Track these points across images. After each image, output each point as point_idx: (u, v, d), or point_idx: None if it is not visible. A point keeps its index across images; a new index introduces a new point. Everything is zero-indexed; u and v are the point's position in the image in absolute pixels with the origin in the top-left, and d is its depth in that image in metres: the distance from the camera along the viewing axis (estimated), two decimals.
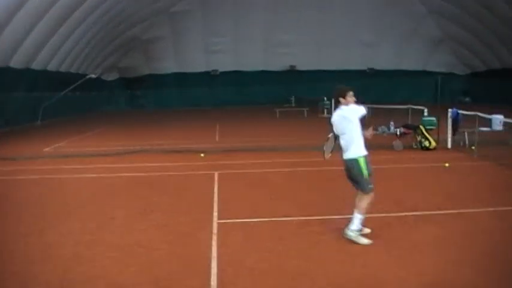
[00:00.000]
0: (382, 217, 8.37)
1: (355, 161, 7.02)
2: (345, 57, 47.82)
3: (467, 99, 45.14)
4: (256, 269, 6.17)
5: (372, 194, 7.06)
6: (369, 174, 7.04)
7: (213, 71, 49.64)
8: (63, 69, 34.51)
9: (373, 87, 45.23)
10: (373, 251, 6.73)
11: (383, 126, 17.46)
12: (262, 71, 49.58)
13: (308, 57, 48.01)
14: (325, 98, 35.15)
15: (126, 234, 7.73)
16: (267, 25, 47.03)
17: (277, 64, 49.25)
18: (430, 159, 14.60)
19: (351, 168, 7.08)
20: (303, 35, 46.92)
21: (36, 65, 29.51)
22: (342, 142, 7.16)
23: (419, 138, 16.52)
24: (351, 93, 7.08)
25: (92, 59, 39.91)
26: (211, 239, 7.34)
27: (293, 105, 45.22)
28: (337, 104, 7.19)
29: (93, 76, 37.13)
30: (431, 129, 16.84)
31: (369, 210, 8.38)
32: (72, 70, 36.47)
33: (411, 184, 11.44)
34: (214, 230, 7.76)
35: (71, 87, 34.27)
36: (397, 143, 16.53)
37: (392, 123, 17.31)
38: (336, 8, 45.58)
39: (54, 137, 23.33)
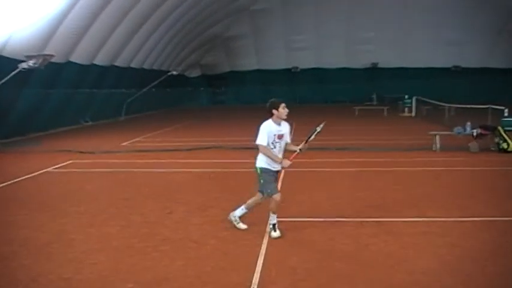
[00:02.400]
0: (442, 222, 8.14)
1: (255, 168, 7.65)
2: (429, 54, 46.38)
3: None
4: (299, 268, 6.19)
5: (277, 195, 7.49)
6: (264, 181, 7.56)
7: (293, 68, 49.54)
8: (146, 66, 35.61)
9: (458, 86, 43.76)
10: (424, 256, 6.55)
11: (459, 127, 16.85)
12: (343, 68, 48.93)
13: (390, 55, 46.89)
14: (406, 96, 34.44)
15: (181, 229, 7.95)
16: (348, 22, 46.39)
17: (359, 61, 48.46)
18: (506, 163, 13.99)
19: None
20: (386, 31, 45.93)
21: (120, 62, 30.63)
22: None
23: (497, 139, 15.86)
24: (283, 104, 7.46)
25: (175, 56, 40.94)
26: (262, 236, 7.42)
27: (375, 103, 44.56)
28: (270, 116, 7.48)
29: (175, 73, 38.06)
30: (510, 131, 16.13)
31: (428, 214, 8.26)
32: (155, 67, 37.56)
33: (481, 188, 10.96)
34: (267, 229, 7.82)
35: (154, 84, 35.38)
36: (473, 145, 15.93)
37: (469, 123, 16.64)
38: (420, 3, 44.30)
39: (134, 131, 24.24)
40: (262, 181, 7.56)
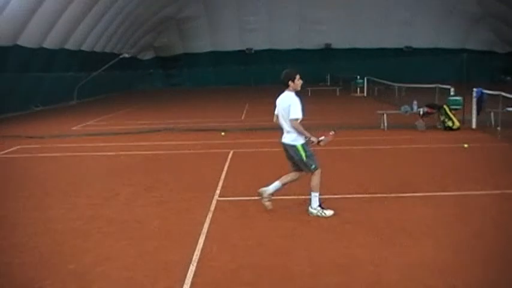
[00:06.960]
0: (383, 197, 8.37)
1: (294, 147, 7.40)
2: (381, 35, 47.21)
3: (508, 77, 43.95)
4: (239, 245, 6.30)
5: (319, 171, 7.39)
6: (307, 156, 7.35)
7: (247, 49, 49.64)
8: (97, 49, 35.07)
9: (410, 66, 44.52)
10: (362, 232, 6.71)
11: (406, 106, 17.27)
12: (297, 49, 49.30)
13: (343, 36, 47.57)
14: (358, 77, 34.90)
15: (126, 210, 7.98)
16: (302, 3, 46.63)
17: (312, 42, 48.93)
18: (451, 140, 14.41)
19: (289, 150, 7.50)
20: (339, 12, 46.49)
21: (70, 45, 30.07)
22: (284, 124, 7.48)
23: (442, 118, 16.30)
24: (298, 76, 7.34)
25: (127, 38, 40.43)
26: (206, 215, 7.50)
27: (328, 84, 45.00)
28: (286, 88, 7.43)
29: (127, 55, 37.66)
30: (456, 109, 16.57)
31: (369, 191, 8.49)
32: (107, 50, 37.03)
33: (423, 164, 11.30)
34: (212, 208, 7.92)
35: (105, 67, 34.88)
36: (420, 123, 16.33)
37: (415, 102, 17.07)
38: None
39: (85, 115, 23.98)
40: (306, 157, 7.31)
